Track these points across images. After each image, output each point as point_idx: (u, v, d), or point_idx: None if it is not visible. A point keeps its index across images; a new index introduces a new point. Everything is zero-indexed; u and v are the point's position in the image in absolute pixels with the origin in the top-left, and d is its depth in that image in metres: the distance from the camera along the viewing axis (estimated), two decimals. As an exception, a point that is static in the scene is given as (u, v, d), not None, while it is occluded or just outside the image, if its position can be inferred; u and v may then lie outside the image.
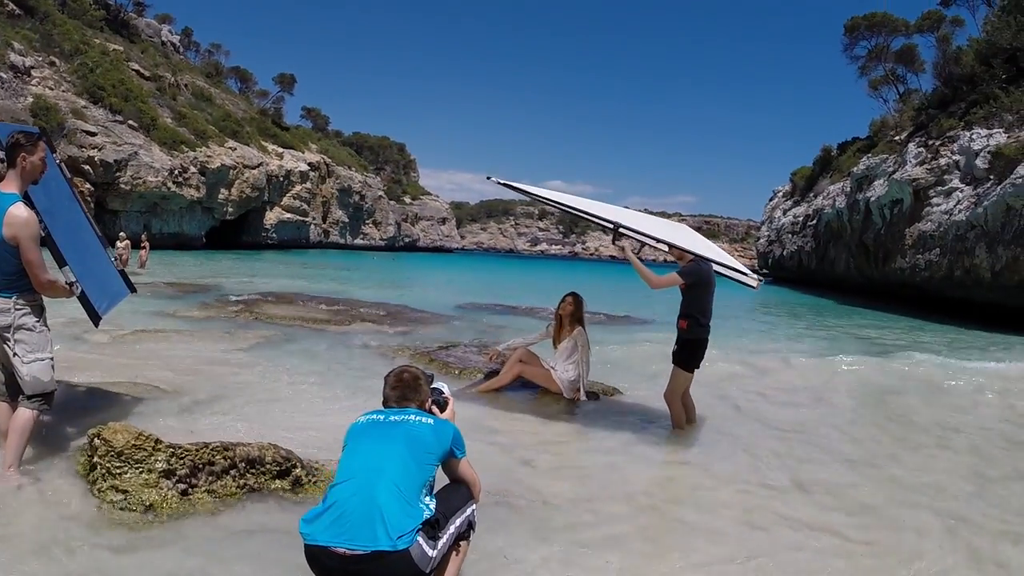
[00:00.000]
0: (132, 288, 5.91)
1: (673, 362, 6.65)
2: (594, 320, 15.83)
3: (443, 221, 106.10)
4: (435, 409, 3.65)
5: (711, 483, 5.29)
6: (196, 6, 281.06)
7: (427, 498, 3.16)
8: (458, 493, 3.43)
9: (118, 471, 4.09)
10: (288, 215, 59.02)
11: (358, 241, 75.73)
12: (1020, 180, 20.13)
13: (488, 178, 6.93)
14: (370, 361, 8.98)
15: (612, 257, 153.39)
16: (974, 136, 24.84)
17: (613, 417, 7.09)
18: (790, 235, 51.10)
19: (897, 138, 32.79)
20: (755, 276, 6.92)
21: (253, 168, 51.93)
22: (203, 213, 47.86)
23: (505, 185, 7.11)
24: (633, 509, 4.66)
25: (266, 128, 62.79)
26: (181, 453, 4.23)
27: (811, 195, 50.07)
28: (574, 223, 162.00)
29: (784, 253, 52.15)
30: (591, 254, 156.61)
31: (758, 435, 6.81)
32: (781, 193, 63.26)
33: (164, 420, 5.44)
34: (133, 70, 49.38)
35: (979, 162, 24.17)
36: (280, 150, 60.42)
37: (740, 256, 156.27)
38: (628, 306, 19.09)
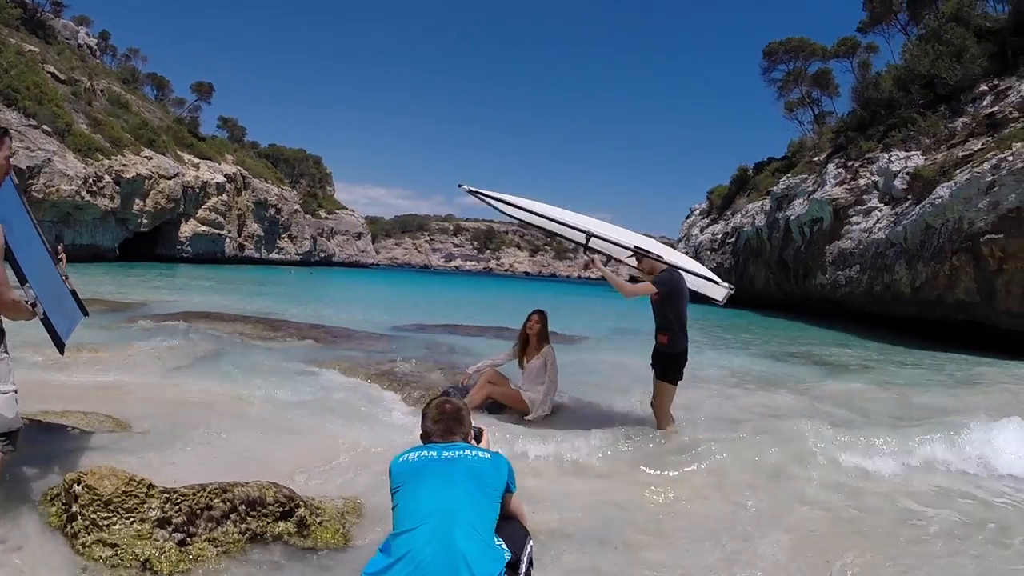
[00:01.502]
0: (84, 310, 5.29)
1: (658, 378, 6.58)
2: (511, 335, 15.75)
3: (359, 236, 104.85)
4: (472, 441, 3.42)
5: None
6: (114, 8, 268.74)
7: (497, 539, 2.98)
8: (517, 530, 3.24)
9: (105, 522, 3.55)
10: (203, 228, 57.06)
11: (273, 255, 73.90)
12: (939, 200, 20.95)
13: (460, 186, 6.68)
14: (328, 382, 8.54)
15: (527, 273, 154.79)
16: (892, 158, 25.87)
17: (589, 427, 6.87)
18: (708, 252, 52.16)
19: (816, 159, 33.91)
20: (725, 284, 6.81)
21: (169, 179, 50.03)
22: (117, 224, 45.78)
23: (476, 194, 6.76)
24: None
25: (182, 137, 60.64)
26: (176, 498, 3.75)
27: (728, 213, 51.32)
28: (488, 239, 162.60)
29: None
30: (505, 270, 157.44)
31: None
32: (698, 211, 64.65)
33: (130, 457, 4.75)
34: (48, 72, 46.79)
35: (897, 183, 25.16)
36: (196, 160, 58.46)
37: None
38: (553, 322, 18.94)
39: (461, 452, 3.12)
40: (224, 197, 60.33)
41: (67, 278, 5.03)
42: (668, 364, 6.52)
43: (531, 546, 3.24)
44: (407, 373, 9.24)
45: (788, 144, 40.66)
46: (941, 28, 25.52)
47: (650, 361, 6.75)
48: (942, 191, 20.93)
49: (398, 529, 2.90)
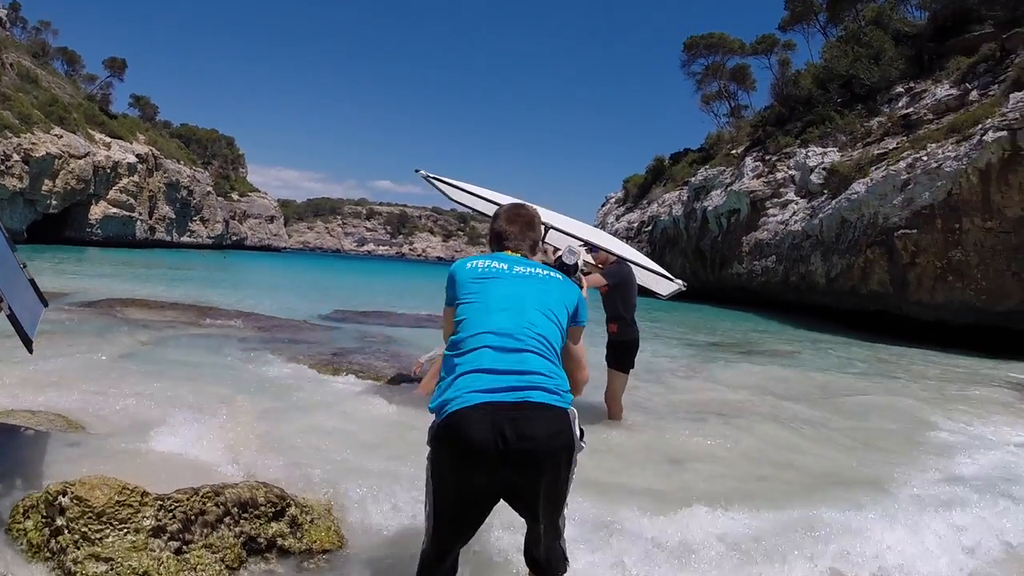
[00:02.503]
0: (44, 301, 4.91)
1: (609, 366, 6.70)
2: (418, 321, 15.77)
3: (271, 219, 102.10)
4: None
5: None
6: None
7: None
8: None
9: (98, 535, 3.31)
10: (114, 210, 54.07)
11: (185, 239, 71.01)
12: (855, 196, 21.90)
13: (416, 171, 6.54)
14: (272, 369, 8.20)
15: (439, 258, 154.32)
16: (810, 154, 26.89)
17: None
18: (625, 240, 52.95)
19: (734, 152, 34.89)
20: (678, 281, 6.89)
21: (79, 158, 47.19)
22: (25, 205, 43.03)
23: (433, 180, 6.66)
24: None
25: (93, 115, 57.12)
26: (170, 505, 3.50)
27: (645, 202, 52.36)
28: (401, 224, 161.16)
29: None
30: (418, 255, 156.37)
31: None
32: (614, 199, 65.66)
33: (94, 461, 4.34)
34: (-46, 45, 43.59)
35: (814, 177, 26.17)
36: (108, 140, 55.25)
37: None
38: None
39: (534, 269, 2.87)
40: (136, 178, 57.46)
41: (25, 266, 4.66)
42: (618, 352, 6.68)
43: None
44: (352, 363, 8.98)
45: (706, 137, 41.83)
46: (861, 31, 26.59)
47: (605, 352, 6.83)
48: (858, 187, 21.87)
49: (459, 346, 2.66)
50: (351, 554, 3.79)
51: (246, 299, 18.97)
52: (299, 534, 3.81)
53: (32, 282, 4.76)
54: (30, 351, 3.88)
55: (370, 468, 4.70)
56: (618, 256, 6.53)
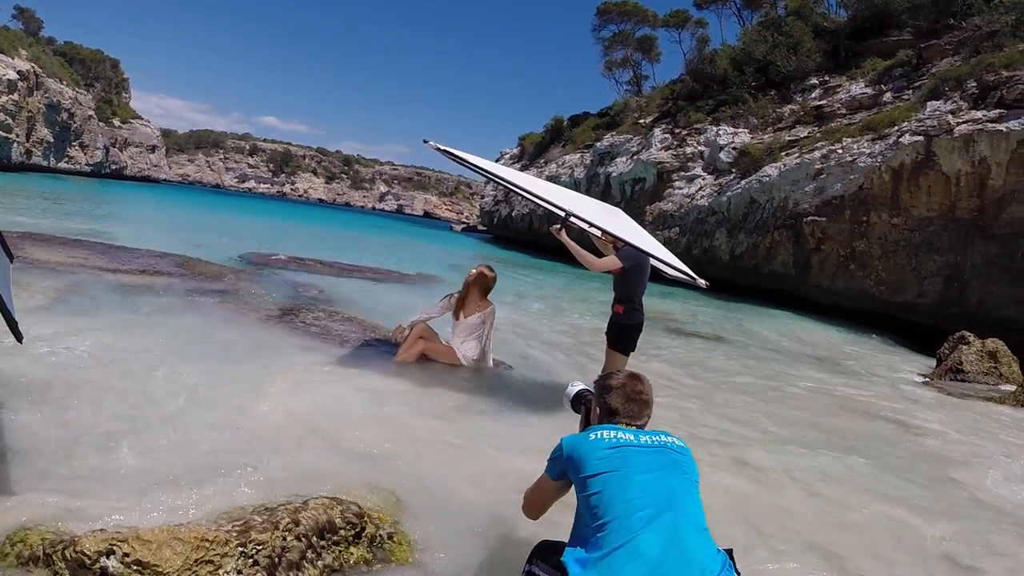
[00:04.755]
0: (10, 254, 4.16)
1: (609, 346, 6.68)
2: (368, 275, 15.57)
3: (153, 149, 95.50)
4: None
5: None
6: None
7: None
8: None
9: None
10: None
11: (63, 165, 65.18)
12: (767, 178, 22.90)
13: (425, 141, 6.32)
14: (225, 332, 7.36)
15: (320, 200, 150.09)
16: (721, 132, 27.79)
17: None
18: (518, 198, 53.39)
19: (642, 121, 35.52)
20: (702, 282, 6.84)
21: None
22: None
23: (444, 152, 6.44)
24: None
25: None
26: (252, 548, 2.92)
27: (541, 161, 52.65)
28: (284, 162, 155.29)
29: (513, 214, 54.42)
30: (300, 195, 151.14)
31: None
32: (509, 155, 65.59)
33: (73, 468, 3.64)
34: None
35: (723, 156, 27.12)
36: None
37: (448, 209, 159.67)
38: (383, 259, 18.99)
39: (660, 439, 2.80)
40: (15, 96, 52.02)
41: None
42: (621, 334, 6.62)
43: None
44: (308, 324, 8.45)
45: (613, 103, 42.19)
46: (782, 20, 27.58)
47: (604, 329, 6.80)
48: (771, 170, 22.86)
49: (603, 519, 2.54)
50: (428, 569, 3.43)
51: (152, 235, 17.72)
52: (380, 556, 3.39)
53: None
54: (19, 339, 3.10)
55: (404, 457, 4.46)
56: (639, 249, 6.25)
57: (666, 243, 29.76)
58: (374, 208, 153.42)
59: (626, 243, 6.27)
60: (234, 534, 2.97)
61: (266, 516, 3.19)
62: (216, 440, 4.28)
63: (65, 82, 67.62)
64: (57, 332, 6.15)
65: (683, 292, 22.32)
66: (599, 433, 2.78)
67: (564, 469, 2.80)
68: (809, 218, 20.50)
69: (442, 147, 6.37)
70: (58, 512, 3.10)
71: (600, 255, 6.83)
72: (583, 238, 6.90)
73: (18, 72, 52.90)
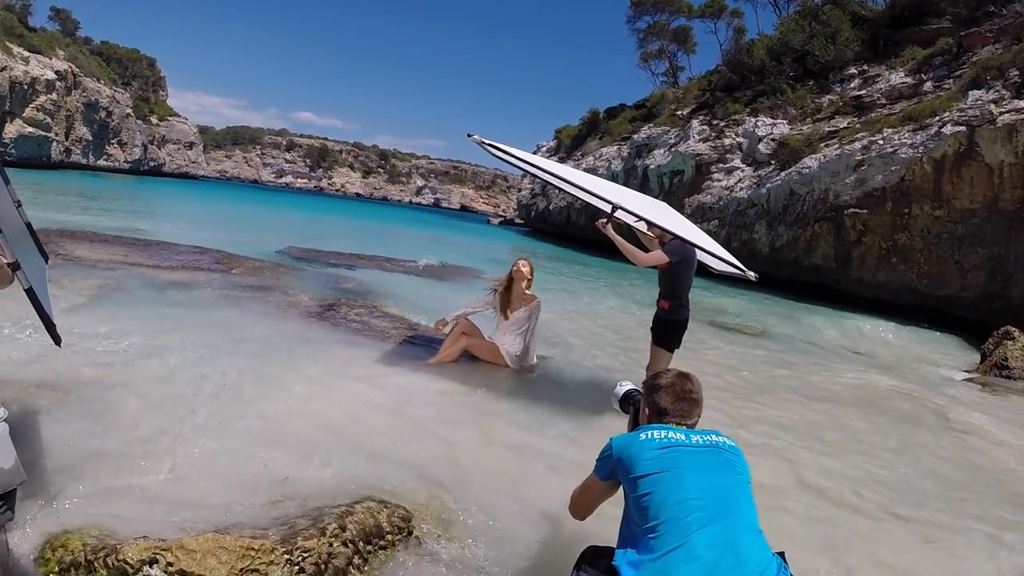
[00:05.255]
0: (44, 254, 4.21)
1: (655, 343, 6.66)
2: (407, 269, 15.87)
3: (190, 146, 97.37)
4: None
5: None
6: None
7: None
8: None
9: None
10: (30, 129, 50.18)
11: (102, 162, 66.83)
12: (807, 170, 22.78)
13: (469, 135, 6.33)
14: (267, 329, 7.54)
15: (358, 194, 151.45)
16: (759, 123, 27.64)
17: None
18: (556, 191, 53.41)
19: (679, 112, 35.41)
20: (751, 274, 6.81)
21: None
22: None
23: (488, 146, 6.53)
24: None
25: (12, 27, 52.50)
26: (298, 556, 2.89)
27: (578, 154, 52.67)
28: (322, 157, 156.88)
29: (551, 207, 54.54)
30: (337, 190, 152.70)
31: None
32: (545, 148, 65.63)
33: (113, 468, 3.67)
34: None
35: (762, 147, 26.99)
36: (26, 54, 51.08)
37: (485, 202, 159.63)
38: (421, 253, 19.24)
39: (711, 438, 2.77)
40: (54, 96, 53.46)
41: (20, 204, 3.64)
42: (666, 331, 6.57)
43: None
44: (349, 320, 8.57)
45: (649, 95, 42.09)
46: (820, 8, 27.33)
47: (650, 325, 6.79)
48: (810, 162, 22.74)
49: (655, 520, 2.50)
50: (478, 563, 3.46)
51: (189, 232, 18.14)
52: (427, 556, 3.36)
53: (29, 227, 3.82)
54: (58, 342, 3.12)
55: (442, 459, 4.50)
56: (686, 240, 6.14)
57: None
58: (411, 202, 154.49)
59: (675, 235, 6.15)
60: (279, 541, 2.94)
61: (312, 522, 3.17)
62: (257, 442, 4.31)
63: (103, 81, 69.08)
64: (97, 332, 6.30)
65: (724, 286, 22.37)
66: (650, 433, 2.75)
67: (613, 469, 2.77)
68: (850, 210, 20.40)
69: (486, 142, 6.45)
70: (99, 518, 3.09)
71: (645, 250, 6.76)
72: (626, 232, 6.84)
73: (56, 72, 54.19)
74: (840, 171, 21.13)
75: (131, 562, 2.51)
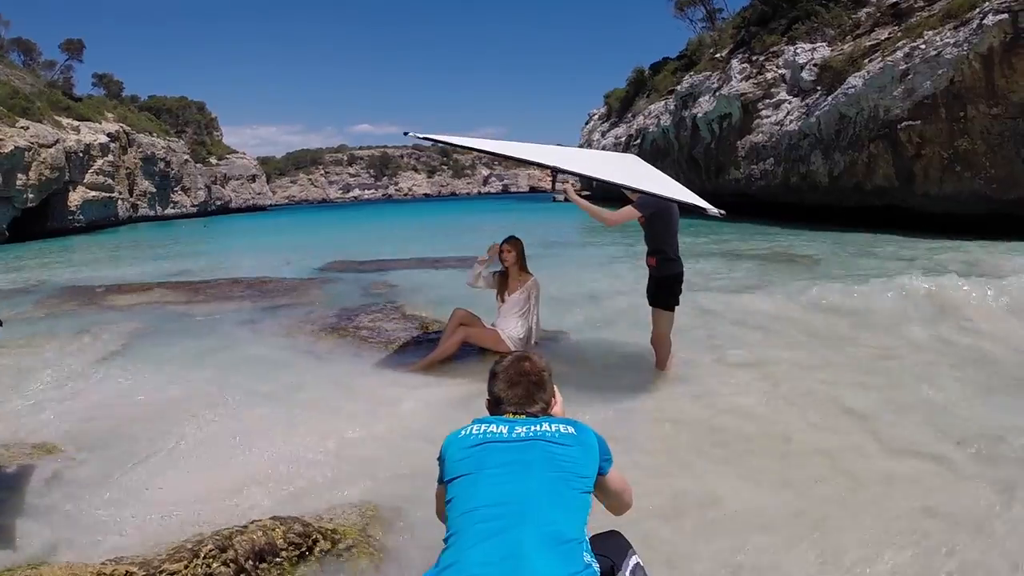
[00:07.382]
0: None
1: (651, 304, 6.28)
2: (449, 264, 15.48)
3: (253, 178, 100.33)
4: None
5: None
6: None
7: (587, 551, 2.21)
8: (610, 538, 2.51)
9: None
10: (93, 193, 52.45)
11: (169, 211, 69.66)
12: (852, 90, 21.57)
13: (405, 134, 6.21)
14: (266, 349, 7.71)
15: (426, 195, 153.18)
16: (798, 50, 26.38)
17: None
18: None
19: (718, 55, 34.21)
20: (716, 210, 5.90)
21: (49, 147, 45.51)
22: (2, 204, 42.13)
23: (424, 139, 6.42)
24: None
25: (57, 101, 54.99)
26: None
27: (629, 115, 51.75)
28: (384, 165, 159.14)
29: (608, 174, 53.74)
30: (404, 194, 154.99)
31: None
32: (596, 116, 64.97)
33: (78, 503, 3.89)
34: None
35: (805, 75, 25.76)
36: (76, 123, 53.27)
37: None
38: (465, 246, 18.71)
39: (537, 427, 2.34)
40: (110, 158, 55.76)
41: None
42: (659, 289, 6.22)
43: (635, 559, 2.45)
44: (360, 327, 8.53)
45: (687, 43, 40.88)
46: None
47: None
48: (855, 80, 21.53)
49: (447, 532, 2.21)
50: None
51: (237, 262, 18.85)
52: (336, 569, 3.24)
53: None
54: None
55: (394, 473, 4.33)
56: (648, 193, 5.68)
57: (762, 175, 28.88)
58: (479, 193, 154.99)
59: (634, 189, 5.81)
60: (141, 565, 2.85)
61: (188, 551, 3.11)
62: (248, 475, 4.36)
63: (155, 134, 71.57)
64: (117, 378, 6.65)
65: (784, 231, 21.54)
66: (472, 428, 2.40)
67: (440, 473, 2.43)
68: (903, 124, 19.18)
69: (423, 136, 6.32)
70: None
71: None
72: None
73: (107, 135, 56.25)
74: (886, 84, 19.90)
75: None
